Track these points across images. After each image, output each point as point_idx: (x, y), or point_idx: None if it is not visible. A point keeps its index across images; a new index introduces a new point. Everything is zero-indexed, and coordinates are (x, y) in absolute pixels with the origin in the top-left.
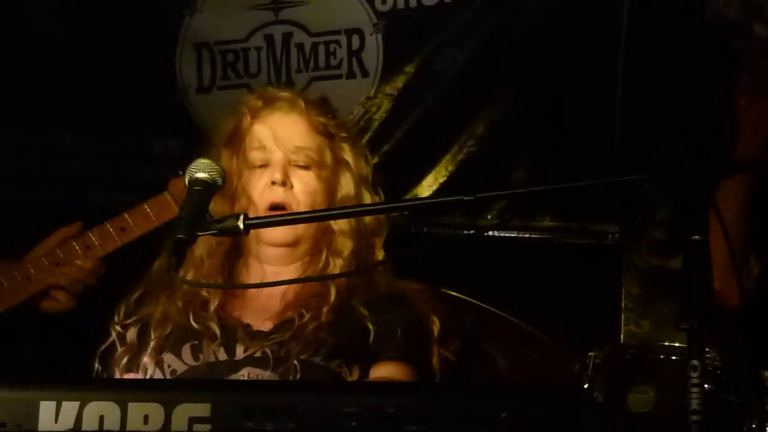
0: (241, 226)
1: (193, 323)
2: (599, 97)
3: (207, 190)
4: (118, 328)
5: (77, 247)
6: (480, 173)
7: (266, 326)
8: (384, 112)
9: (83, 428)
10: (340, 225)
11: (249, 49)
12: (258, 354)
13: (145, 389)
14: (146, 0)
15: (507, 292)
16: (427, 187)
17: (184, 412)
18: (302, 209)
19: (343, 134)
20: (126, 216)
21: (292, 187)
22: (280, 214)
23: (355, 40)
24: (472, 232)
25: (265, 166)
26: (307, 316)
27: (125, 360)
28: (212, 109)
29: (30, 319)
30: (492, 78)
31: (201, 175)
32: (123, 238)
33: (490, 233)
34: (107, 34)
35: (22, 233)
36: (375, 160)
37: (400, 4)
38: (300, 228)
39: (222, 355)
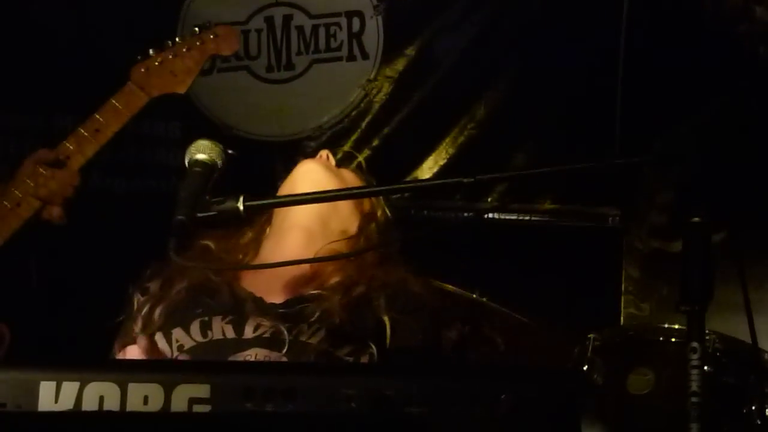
0: (241, 207)
1: (204, 296)
2: (600, 81)
3: (207, 171)
4: (144, 285)
5: (59, 157)
6: (480, 156)
7: (278, 298)
8: (384, 95)
9: (83, 408)
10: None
11: (249, 32)
12: (267, 335)
13: (145, 370)
14: None
15: (507, 275)
16: (427, 170)
17: (183, 392)
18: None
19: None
20: (97, 116)
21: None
22: (281, 196)
23: (356, 23)
24: (472, 214)
25: None
26: (322, 298)
27: (148, 307)
28: (212, 91)
29: (32, 245)
30: (492, 61)
31: (201, 156)
32: (100, 138)
33: (491, 216)
34: (107, 16)
35: None
36: (375, 142)
37: None
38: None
39: (230, 333)
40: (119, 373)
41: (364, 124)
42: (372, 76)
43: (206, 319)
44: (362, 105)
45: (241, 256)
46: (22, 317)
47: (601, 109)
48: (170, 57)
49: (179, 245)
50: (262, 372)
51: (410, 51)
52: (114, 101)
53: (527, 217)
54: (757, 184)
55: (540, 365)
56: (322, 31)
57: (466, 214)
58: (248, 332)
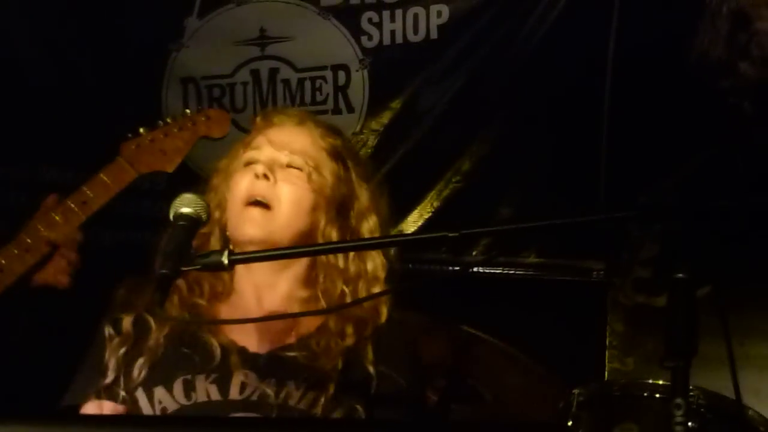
0: (226, 261)
1: (184, 348)
2: (585, 135)
3: (191, 224)
4: (114, 316)
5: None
6: (465, 209)
7: (262, 347)
8: (370, 148)
9: None
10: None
11: (235, 84)
12: (254, 398)
13: (128, 425)
14: (133, 35)
15: (492, 329)
16: (412, 223)
17: None
18: (285, 208)
19: (355, 163)
20: (85, 189)
21: (276, 182)
22: (265, 250)
23: (341, 76)
24: (457, 268)
25: (252, 163)
26: (308, 348)
27: (123, 351)
28: (198, 144)
29: (25, 297)
30: (478, 115)
31: (185, 210)
32: (86, 211)
33: (476, 269)
34: (94, 68)
35: None
36: None
37: (386, 40)
38: (278, 222)
39: (215, 394)
40: (104, 428)
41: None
42: (357, 129)
43: (189, 377)
44: None
45: (219, 288)
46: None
47: (586, 164)
48: (161, 136)
49: (163, 299)
50: (251, 428)
51: (395, 104)
52: (103, 175)
53: (512, 271)
54: (741, 240)
55: (526, 418)
56: (307, 85)
57: (451, 268)
58: (234, 392)
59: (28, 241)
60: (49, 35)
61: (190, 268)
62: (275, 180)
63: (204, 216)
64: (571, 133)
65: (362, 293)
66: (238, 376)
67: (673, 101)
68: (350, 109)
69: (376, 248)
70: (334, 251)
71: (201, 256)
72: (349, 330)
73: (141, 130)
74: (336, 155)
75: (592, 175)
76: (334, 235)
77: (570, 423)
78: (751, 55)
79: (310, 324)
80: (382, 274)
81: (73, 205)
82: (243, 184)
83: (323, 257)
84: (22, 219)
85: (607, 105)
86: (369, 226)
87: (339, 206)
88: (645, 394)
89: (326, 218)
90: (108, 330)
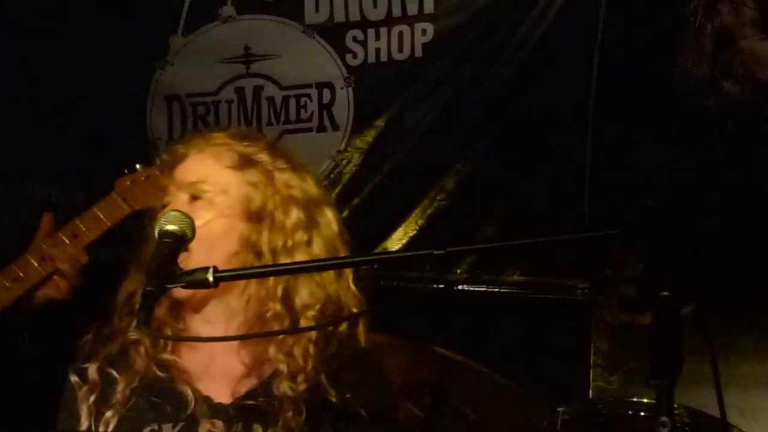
0: (211, 278)
1: (153, 397)
2: (569, 154)
3: (176, 242)
4: (79, 365)
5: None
6: (450, 227)
7: (226, 397)
8: (354, 166)
9: None
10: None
11: (220, 102)
12: None
13: None
14: (117, 52)
15: (476, 346)
16: (396, 241)
17: None
18: (196, 245)
19: (284, 160)
20: (77, 222)
21: None
22: (250, 267)
23: (326, 94)
24: (442, 286)
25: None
26: (272, 396)
27: (92, 399)
28: None
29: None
30: (462, 132)
31: (170, 227)
32: (77, 244)
33: (460, 287)
34: (78, 85)
35: None
36: (345, 213)
37: (371, 58)
38: (195, 259)
39: None
40: None
41: (333, 195)
42: (342, 147)
43: (156, 428)
44: (332, 176)
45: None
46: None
47: (570, 181)
48: (157, 173)
49: (148, 317)
50: None
51: (380, 122)
52: (96, 210)
53: (497, 289)
54: (725, 258)
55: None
56: (292, 102)
57: (435, 286)
58: None
59: (19, 270)
60: (34, 53)
61: (174, 285)
62: None
63: (189, 233)
64: (555, 151)
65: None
66: (205, 426)
67: (656, 119)
68: (335, 127)
69: (363, 265)
70: (320, 269)
71: (186, 273)
72: (310, 363)
73: (137, 166)
74: (246, 162)
75: (576, 192)
76: (281, 239)
77: None
78: (735, 74)
79: (271, 364)
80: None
81: (64, 238)
82: None
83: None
84: (8, 236)
85: (592, 123)
86: (326, 220)
87: (265, 211)
88: (630, 413)
89: (256, 228)
90: (74, 378)
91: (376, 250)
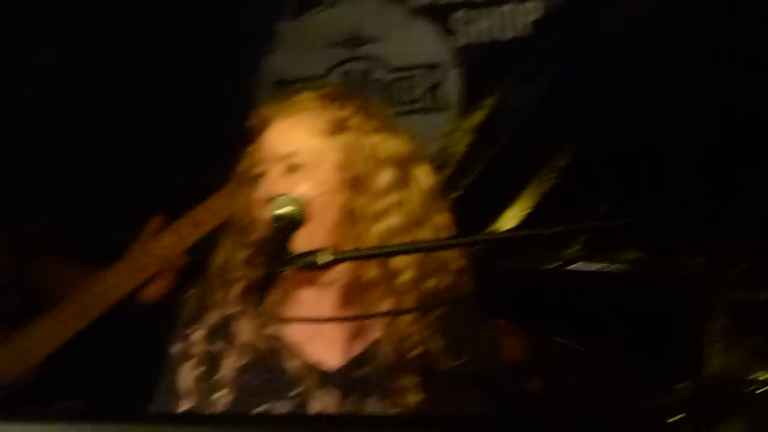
0: (325, 261)
1: (262, 373)
2: (684, 128)
3: (289, 225)
4: (183, 332)
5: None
6: (562, 206)
7: (335, 360)
8: (464, 147)
9: None
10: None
11: None
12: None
13: (245, 424)
14: (224, 38)
15: (591, 326)
16: (508, 221)
17: None
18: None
19: (371, 124)
20: (197, 212)
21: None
22: (362, 249)
23: (434, 75)
24: (554, 265)
25: (257, 177)
26: (379, 353)
27: (196, 374)
28: None
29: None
30: (573, 110)
31: (283, 211)
32: (195, 234)
33: (574, 266)
34: (185, 73)
35: None
36: (456, 194)
37: (479, 38)
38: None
39: None
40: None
41: (444, 177)
42: (450, 129)
43: (268, 407)
44: (441, 157)
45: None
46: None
47: (686, 156)
48: None
49: (263, 299)
50: (345, 426)
51: (489, 102)
52: (216, 199)
53: (610, 268)
54: None
55: (625, 416)
56: (400, 85)
57: (548, 265)
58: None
59: (136, 261)
60: (140, 43)
61: (287, 268)
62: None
63: (301, 216)
64: (670, 126)
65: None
66: (318, 401)
67: None
68: (443, 108)
69: (475, 245)
70: (426, 250)
71: (300, 256)
72: (415, 326)
73: None
74: (338, 127)
75: (692, 168)
76: (376, 203)
77: (671, 420)
78: None
79: (376, 329)
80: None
81: (183, 228)
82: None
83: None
84: (121, 226)
85: (708, 95)
86: (420, 179)
87: (360, 177)
88: (748, 390)
89: (353, 195)
90: (176, 349)
91: (488, 231)
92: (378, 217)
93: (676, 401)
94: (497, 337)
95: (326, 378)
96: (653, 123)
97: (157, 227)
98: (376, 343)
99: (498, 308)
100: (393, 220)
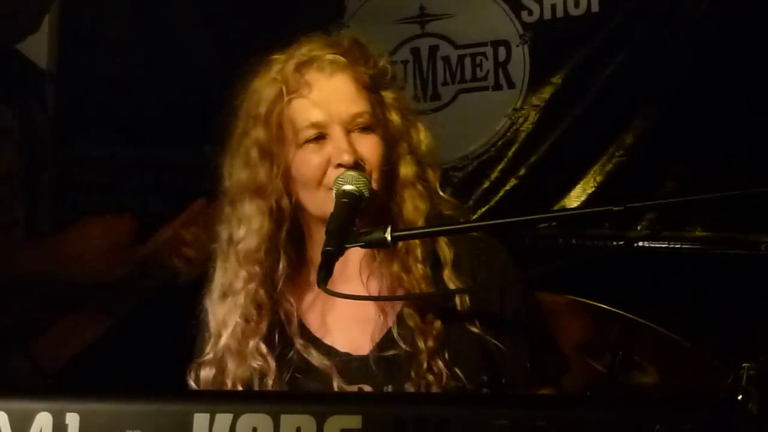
0: (389, 238)
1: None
2: (751, 105)
3: (354, 202)
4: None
5: None
6: (629, 184)
7: (361, 347)
8: (531, 124)
9: None
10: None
11: (395, 63)
12: None
13: (297, 401)
14: (294, 16)
15: (658, 304)
16: (575, 198)
17: (335, 424)
18: (372, 178)
19: (390, 95)
20: None
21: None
22: (427, 226)
23: (502, 52)
24: (621, 243)
25: (317, 139)
26: (415, 338)
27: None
28: None
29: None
30: (641, 88)
31: (348, 187)
32: None
33: (641, 244)
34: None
35: None
36: (522, 171)
37: (547, 14)
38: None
39: None
40: (272, 405)
41: (510, 153)
42: (518, 105)
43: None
44: (509, 134)
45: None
46: None
47: (753, 134)
48: None
49: (328, 276)
50: (414, 403)
51: (557, 79)
52: None
53: (678, 245)
54: None
55: (694, 393)
56: (468, 61)
57: (615, 243)
58: None
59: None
60: (214, 22)
61: (353, 245)
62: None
63: (366, 192)
64: (737, 104)
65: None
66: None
67: None
68: (511, 85)
69: (541, 222)
70: (500, 227)
71: (364, 233)
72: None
73: None
74: (377, 83)
75: (759, 145)
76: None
77: (740, 397)
78: None
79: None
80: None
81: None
82: (322, 168)
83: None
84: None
85: None
86: (421, 132)
87: (396, 133)
88: None
89: (390, 148)
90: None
91: (554, 208)
92: (398, 163)
93: (744, 378)
94: (564, 314)
95: (359, 368)
96: (721, 101)
97: (200, 209)
98: (398, 319)
99: (565, 285)
100: (404, 169)
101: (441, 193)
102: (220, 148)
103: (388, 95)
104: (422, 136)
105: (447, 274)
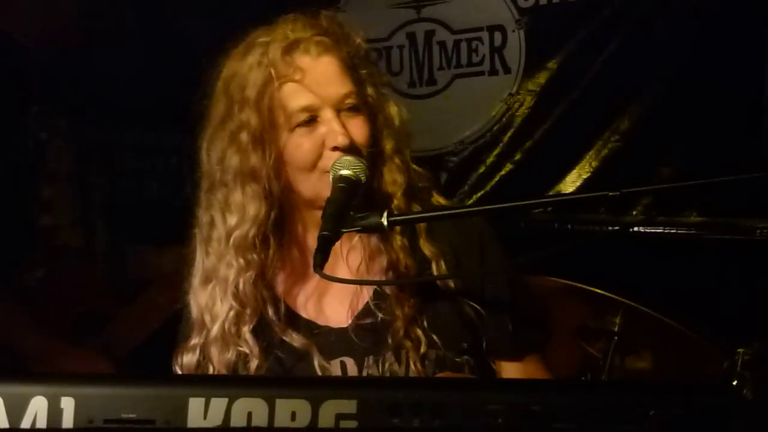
0: (385, 222)
1: (280, 353)
2: (746, 91)
3: (351, 186)
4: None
5: None
6: (624, 169)
7: (340, 320)
8: (526, 109)
9: (231, 424)
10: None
11: (392, 48)
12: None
13: (292, 386)
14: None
15: (653, 289)
16: (570, 184)
17: (330, 408)
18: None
19: (366, 70)
20: None
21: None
22: (423, 211)
23: (498, 37)
24: (617, 228)
25: (309, 122)
26: (393, 306)
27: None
28: None
29: None
30: (636, 73)
31: (345, 172)
32: None
33: (636, 229)
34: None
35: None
36: (518, 156)
37: (543, 0)
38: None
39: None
40: (267, 389)
41: (506, 138)
42: (514, 90)
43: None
44: (504, 119)
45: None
46: None
47: (748, 120)
48: None
49: (324, 260)
50: (409, 387)
51: (552, 64)
52: None
53: (673, 230)
54: None
55: (689, 378)
56: (464, 46)
57: (610, 228)
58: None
59: None
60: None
61: (349, 229)
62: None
63: (363, 177)
64: (732, 89)
65: None
66: (335, 367)
67: None
68: (507, 70)
69: (536, 207)
70: (485, 213)
71: (360, 217)
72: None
73: None
74: (357, 60)
75: (754, 131)
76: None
77: (735, 382)
78: None
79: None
80: None
81: None
82: (314, 151)
83: None
84: None
85: None
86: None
87: (374, 107)
88: None
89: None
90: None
91: (550, 193)
92: (403, 140)
93: (739, 363)
94: (559, 299)
95: (339, 341)
96: (716, 86)
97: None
98: (376, 294)
99: (561, 270)
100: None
101: (414, 166)
102: (198, 132)
103: (364, 69)
104: (395, 111)
105: (422, 242)
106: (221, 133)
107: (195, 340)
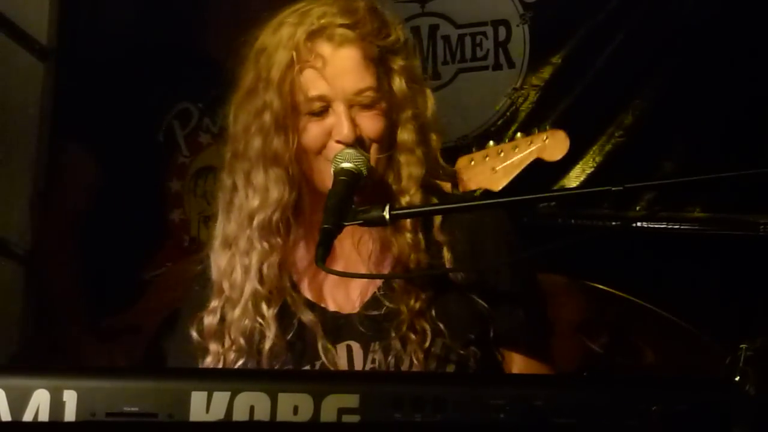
0: (387, 216)
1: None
2: (751, 87)
3: (352, 179)
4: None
5: None
6: (628, 164)
7: (349, 307)
8: (530, 103)
9: (234, 418)
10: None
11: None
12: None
13: (295, 380)
14: None
15: (656, 284)
16: (574, 178)
17: (333, 402)
18: (371, 153)
19: (399, 62)
20: None
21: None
22: (425, 205)
23: (502, 32)
24: (620, 223)
25: (321, 113)
26: (401, 296)
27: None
28: None
29: None
30: (640, 68)
31: (346, 165)
32: None
33: (639, 224)
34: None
35: None
36: None
37: None
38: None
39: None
40: (269, 383)
41: (510, 133)
42: (518, 85)
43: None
44: (508, 113)
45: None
46: None
47: (752, 116)
48: (499, 153)
49: (326, 254)
50: (411, 382)
51: (556, 59)
52: None
53: (676, 226)
54: None
55: (691, 373)
56: (468, 41)
57: (613, 223)
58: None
59: None
60: None
61: (351, 223)
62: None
63: (364, 170)
64: (737, 85)
65: None
66: (341, 356)
67: None
68: (511, 65)
69: (540, 202)
70: (498, 206)
71: (362, 211)
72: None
73: (473, 148)
74: (385, 56)
75: (758, 126)
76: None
77: (737, 378)
78: None
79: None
80: None
81: None
82: (322, 141)
83: None
84: None
85: None
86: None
87: (403, 104)
88: None
89: (395, 121)
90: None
91: (554, 187)
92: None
93: (741, 359)
94: (562, 295)
95: (347, 328)
96: (721, 81)
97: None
98: (383, 285)
99: (563, 265)
100: (405, 135)
101: (440, 161)
102: (229, 95)
103: (397, 61)
104: (429, 103)
105: (435, 231)
106: (247, 105)
107: (215, 302)
